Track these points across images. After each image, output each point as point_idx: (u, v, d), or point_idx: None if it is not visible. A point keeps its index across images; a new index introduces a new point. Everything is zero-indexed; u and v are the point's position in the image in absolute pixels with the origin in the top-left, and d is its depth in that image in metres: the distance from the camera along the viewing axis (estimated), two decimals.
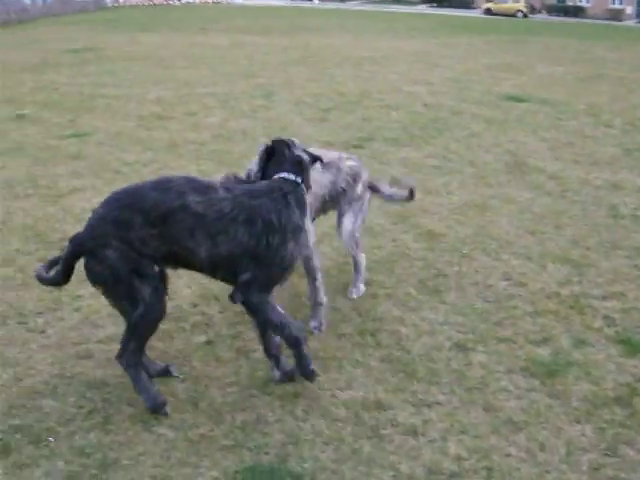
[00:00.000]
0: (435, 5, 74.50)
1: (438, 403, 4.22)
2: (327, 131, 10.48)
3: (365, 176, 5.45)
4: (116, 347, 4.72)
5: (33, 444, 3.87)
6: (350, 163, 5.34)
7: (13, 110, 12.86)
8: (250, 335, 4.83)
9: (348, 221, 5.39)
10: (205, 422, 4.05)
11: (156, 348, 4.77)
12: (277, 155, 4.30)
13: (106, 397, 4.31)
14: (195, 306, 5.36)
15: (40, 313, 5.35)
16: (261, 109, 12.10)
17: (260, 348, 4.45)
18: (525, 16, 62.04)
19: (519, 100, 13.43)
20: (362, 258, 5.60)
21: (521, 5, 64.00)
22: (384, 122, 11.27)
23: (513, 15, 61.26)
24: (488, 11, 63.52)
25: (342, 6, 64.50)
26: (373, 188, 5.62)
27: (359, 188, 5.36)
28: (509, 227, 6.98)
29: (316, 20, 36.82)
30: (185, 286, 5.64)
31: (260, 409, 4.16)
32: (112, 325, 5.07)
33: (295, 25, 32.36)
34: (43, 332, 5.08)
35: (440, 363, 4.62)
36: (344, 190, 5.28)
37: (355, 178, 5.33)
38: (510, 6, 63.64)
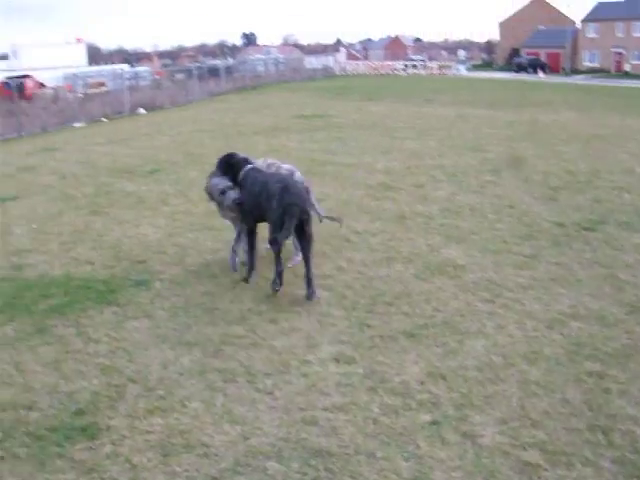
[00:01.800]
0: None
1: None
2: (557, 211, 10.20)
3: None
4: (343, 417, 4.79)
5: None
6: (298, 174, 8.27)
7: None
8: (477, 419, 4.74)
9: None
10: None
11: (381, 423, 4.77)
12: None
13: (330, 467, 4.37)
14: (422, 384, 5.32)
15: (269, 374, 5.52)
16: (489, 184, 11.99)
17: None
18: None
19: None
20: None
21: None
22: (616, 204, 10.81)
23: None
24: None
25: (567, 80, 63.30)
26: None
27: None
28: None
29: (541, 94, 36.23)
30: (412, 362, 5.62)
31: None
32: (339, 394, 5.15)
33: (520, 98, 31.99)
34: (271, 394, 5.23)
35: None
36: None
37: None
38: None
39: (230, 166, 7.80)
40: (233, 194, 7.61)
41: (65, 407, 5.12)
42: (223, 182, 7.74)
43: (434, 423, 4.82)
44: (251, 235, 7.58)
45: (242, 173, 7.64)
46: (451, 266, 7.86)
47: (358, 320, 6.45)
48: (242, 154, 8.00)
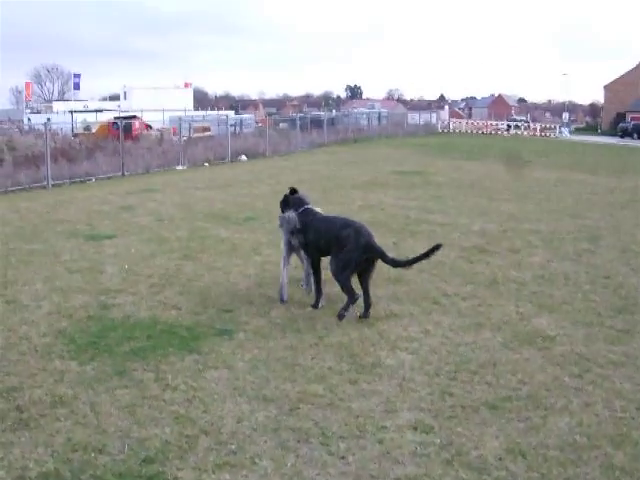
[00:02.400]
0: None
1: None
2: None
3: None
4: None
5: None
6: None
7: None
8: None
9: None
10: None
11: None
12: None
13: None
14: (500, 460, 5.06)
15: (343, 437, 5.36)
16: (585, 253, 11.63)
17: None
18: None
19: None
20: None
21: None
22: None
23: None
24: None
25: None
26: None
27: None
28: None
29: None
30: (492, 436, 5.39)
31: None
32: (413, 465, 4.97)
33: (623, 165, 31.29)
34: (344, 458, 5.08)
35: None
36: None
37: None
38: None
39: (287, 204, 9.03)
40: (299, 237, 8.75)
41: (135, 453, 5.08)
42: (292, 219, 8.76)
43: None
44: (317, 267, 8.73)
45: (301, 210, 8.80)
46: (540, 337, 7.58)
47: (440, 387, 6.24)
48: (301, 195, 9.11)
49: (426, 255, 8.22)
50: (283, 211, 9.04)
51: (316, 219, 8.72)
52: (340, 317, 8.12)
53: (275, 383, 6.31)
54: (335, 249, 8.27)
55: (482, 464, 4.99)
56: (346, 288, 8.21)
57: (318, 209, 9.12)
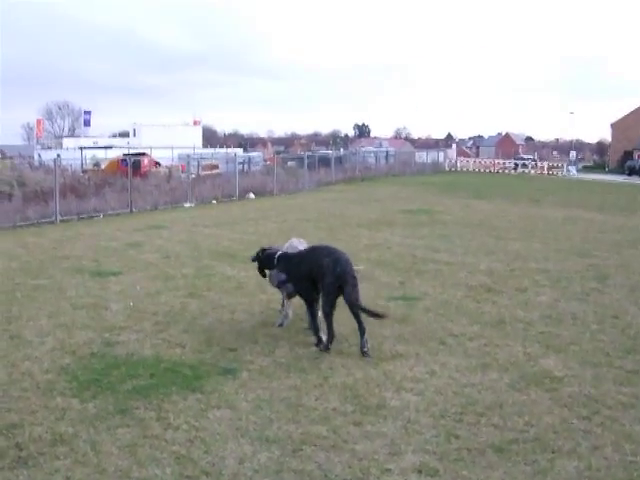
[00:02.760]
0: None
1: None
2: None
3: None
4: None
5: None
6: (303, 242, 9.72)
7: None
8: None
9: None
10: None
11: None
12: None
13: None
14: None
15: None
16: (593, 292, 11.54)
17: None
18: None
19: None
20: None
21: None
22: None
23: None
24: None
25: None
26: None
27: None
28: None
29: None
30: None
31: None
32: None
33: (631, 203, 31.22)
34: None
35: None
36: None
37: None
38: None
39: (262, 264, 9.27)
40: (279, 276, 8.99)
41: None
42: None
43: None
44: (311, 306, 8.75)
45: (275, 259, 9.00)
46: (548, 377, 7.48)
47: (446, 429, 6.15)
48: (268, 249, 9.38)
49: (375, 314, 8.41)
50: (262, 270, 9.34)
51: (295, 255, 8.99)
52: (317, 346, 8.43)
53: (278, 424, 6.24)
54: (319, 278, 8.42)
55: None
56: (327, 322, 8.38)
57: (302, 242, 9.69)
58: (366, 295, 10.92)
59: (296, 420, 6.31)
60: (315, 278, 8.46)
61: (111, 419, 6.28)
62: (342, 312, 9.11)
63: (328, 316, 8.35)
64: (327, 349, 8.31)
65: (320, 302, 8.53)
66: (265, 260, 9.15)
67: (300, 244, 9.65)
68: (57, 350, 8.26)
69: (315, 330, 8.59)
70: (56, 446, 5.74)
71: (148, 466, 5.41)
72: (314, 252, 8.82)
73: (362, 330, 8.25)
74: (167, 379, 7.29)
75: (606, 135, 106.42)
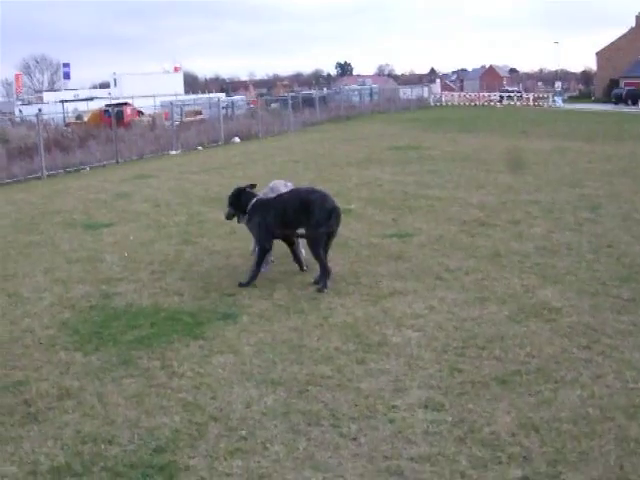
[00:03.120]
0: None
1: None
2: None
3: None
4: (429, 468, 4.57)
5: None
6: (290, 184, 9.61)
7: (339, 204, 13.43)
8: (571, 477, 4.45)
9: None
10: None
11: (469, 476, 4.53)
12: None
13: None
14: (513, 435, 5.01)
15: (354, 419, 5.32)
16: (587, 222, 11.56)
17: None
18: None
19: None
20: None
21: None
22: None
23: None
24: None
25: None
26: None
27: None
28: None
29: None
30: (504, 412, 5.35)
31: None
32: (426, 444, 4.92)
33: (619, 132, 31.13)
34: (355, 439, 5.03)
35: None
36: None
37: None
38: None
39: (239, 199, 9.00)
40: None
41: (145, 443, 5.04)
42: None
43: (524, 479, 4.52)
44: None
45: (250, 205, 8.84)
46: (546, 309, 7.52)
47: (448, 364, 6.20)
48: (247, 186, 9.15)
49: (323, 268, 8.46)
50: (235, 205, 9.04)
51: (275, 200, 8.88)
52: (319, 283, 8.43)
53: (282, 366, 6.27)
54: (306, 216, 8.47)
55: (495, 440, 4.95)
56: (319, 261, 8.49)
57: (287, 185, 9.60)
58: (360, 233, 11.01)
59: (299, 361, 6.35)
60: (300, 219, 8.51)
61: (115, 370, 6.30)
62: (336, 252, 9.16)
63: (319, 254, 8.39)
64: (325, 287, 8.33)
65: (306, 242, 8.73)
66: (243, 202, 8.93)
67: (285, 187, 9.51)
68: (56, 305, 8.25)
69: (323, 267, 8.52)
70: (63, 400, 5.76)
71: (156, 415, 5.45)
72: (298, 192, 8.89)
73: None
74: (168, 327, 7.31)
75: (591, 64, 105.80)
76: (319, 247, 8.38)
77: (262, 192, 9.33)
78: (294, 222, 8.59)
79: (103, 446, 5.02)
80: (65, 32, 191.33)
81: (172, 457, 4.84)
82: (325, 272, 8.40)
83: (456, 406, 5.44)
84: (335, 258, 9.53)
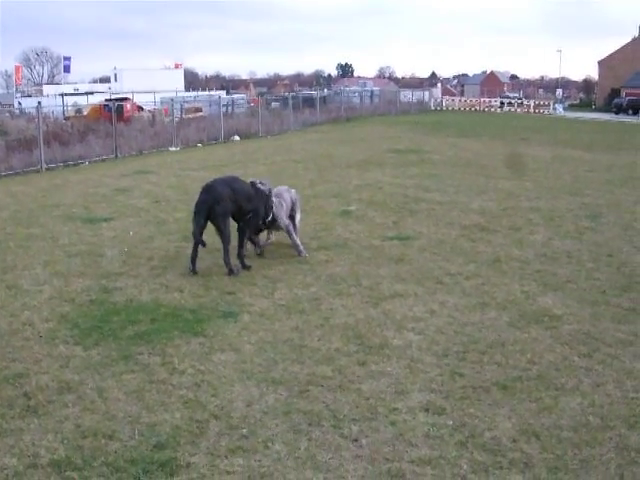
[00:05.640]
0: None
1: None
2: None
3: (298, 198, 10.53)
4: (430, 472, 4.57)
5: None
6: (293, 191, 10.50)
7: (340, 206, 13.47)
8: None
9: (298, 217, 10.39)
10: None
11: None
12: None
13: None
14: (514, 441, 5.03)
15: (355, 420, 5.32)
16: (587, 231, 11.57)
17: None
18: None
19: None
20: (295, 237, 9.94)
21: None
22: None
23: None
24: None
25: None
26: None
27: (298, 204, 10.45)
28: None
29: None
30: (505, 417, 5.35)
31: None
32: (427, 447, 4.93)
33: (619, 141, 31.17)
34: (356, 441, 5.04)
35: None
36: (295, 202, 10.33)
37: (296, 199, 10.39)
38: None
39: None
40: None
41: (145, 439, 5.03)
42: None
43: None
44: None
45: None
46: (547, 315, 7.54)
47: (449, 368, 6.20)
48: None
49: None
50: None
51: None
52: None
53: (283, 365, 6.27)
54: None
55: (496, 446, 4.96)
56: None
57: (290, 191, 10.42)
58: (360, 235, 11.01)
59: (300, 361, 6.35)
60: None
61: (116, 365, 6.29)
62: (337, 253, 9.15)
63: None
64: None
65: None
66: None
67: (287, 192, 10.31)
68: (55, 298, 8.22)
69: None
70: (63, 394, 5.75)
71: (157, 411, 5.44)
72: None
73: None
74: (168, 324, 7.29)
75: (592, 73, 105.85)
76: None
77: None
78: None
79: (103, 441, 5.01)
80: (67, 25, 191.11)
81: (173, 454, 4.83)
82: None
83: (457, 410, 5.45)
84: (335, 258, 9.54)
